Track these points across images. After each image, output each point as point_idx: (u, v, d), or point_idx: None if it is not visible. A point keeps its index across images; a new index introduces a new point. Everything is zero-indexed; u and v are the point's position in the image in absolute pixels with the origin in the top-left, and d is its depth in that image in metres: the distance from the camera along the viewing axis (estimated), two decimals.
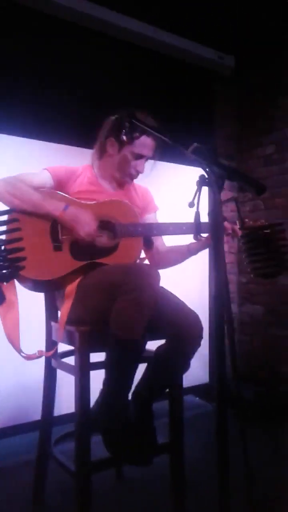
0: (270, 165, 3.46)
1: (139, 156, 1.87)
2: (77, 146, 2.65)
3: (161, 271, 2.00)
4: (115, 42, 2.97)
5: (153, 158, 1.89)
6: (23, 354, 1.58)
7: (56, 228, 1.72)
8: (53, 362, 1.84)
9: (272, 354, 3.30)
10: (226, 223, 1.71)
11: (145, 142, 1.85)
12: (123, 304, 1.52)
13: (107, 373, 1.61)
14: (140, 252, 1.83)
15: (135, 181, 1.98)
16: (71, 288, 1.69)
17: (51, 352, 1.80)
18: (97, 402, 1.63)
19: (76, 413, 1.58)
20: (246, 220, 1.23)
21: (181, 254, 1.92)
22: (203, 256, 2.60)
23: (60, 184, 1.82)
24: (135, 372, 1.64)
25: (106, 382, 1.60)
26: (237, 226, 1.54)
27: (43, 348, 1.88)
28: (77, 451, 1.57)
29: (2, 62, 2.52)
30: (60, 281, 1.71)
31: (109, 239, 1.78)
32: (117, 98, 2.24)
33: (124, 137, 1.74)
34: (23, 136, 2.58)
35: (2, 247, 1.57)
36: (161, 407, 1.78)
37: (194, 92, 3.43)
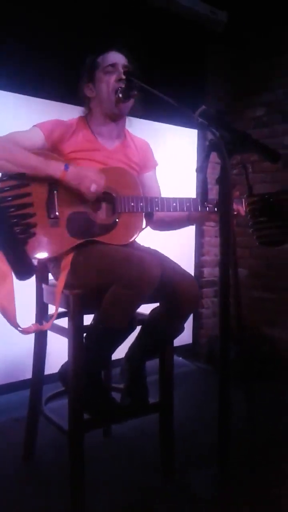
0: (260, 127, 3.40)
1: (111, 67, 1.73)
2: (70, 103, 2.53)
3: (149, 237, 1.97)
4: None
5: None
6: (19, 328, 1.50)
7: (53, 200, 1.61)
8: (44, 324, 1.83)
9: (255, 315, 3.36)
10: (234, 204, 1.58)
11: (111, 55, 1.75)
12: (119, 294, 1.49)
13: (87, 343, 1.60)
14: (140, 228, 1.73)
15: (132, 132, 1.89)
16: (66, 261, 1.63)
17: (48, 326, 1.70)
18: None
19: (70, 374, 1.59)
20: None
21: (180, 221, 1.84)
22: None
23: (54, 141, 1.70)
24: (116, 349, 1.66)
25: (86, 351, 1.60)
26: (242, 207, 1.49)
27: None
28: (71, 411, 1.60)
29: None
30: (54, 257, 1.66)
31: (108, 214, 1.68)
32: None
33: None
34: (12, 91, 2.46)
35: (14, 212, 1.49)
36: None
37: (185, 48, 3.29)
